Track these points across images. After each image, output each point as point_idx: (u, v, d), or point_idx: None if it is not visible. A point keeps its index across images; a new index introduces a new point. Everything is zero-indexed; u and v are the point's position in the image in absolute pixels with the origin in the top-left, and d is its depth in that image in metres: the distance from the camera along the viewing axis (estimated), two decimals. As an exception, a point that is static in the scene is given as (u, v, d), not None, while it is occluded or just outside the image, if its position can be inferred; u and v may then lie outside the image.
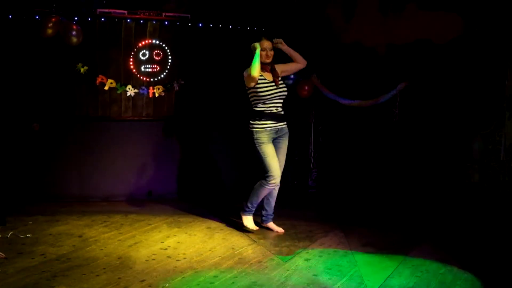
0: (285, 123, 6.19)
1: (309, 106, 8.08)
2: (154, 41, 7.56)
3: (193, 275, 4.86)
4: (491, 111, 6.43)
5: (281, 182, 8.29)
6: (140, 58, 7.53)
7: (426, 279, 4.87)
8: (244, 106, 8.01)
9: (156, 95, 7.62)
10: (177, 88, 7.71)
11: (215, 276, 4.84)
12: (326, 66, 7.75)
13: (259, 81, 5.98)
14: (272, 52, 6.09)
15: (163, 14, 7.57)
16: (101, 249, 5.49)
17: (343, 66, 7.56)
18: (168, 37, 7.62)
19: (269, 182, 5.96)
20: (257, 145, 6.01)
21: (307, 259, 5.34)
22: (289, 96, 7.56)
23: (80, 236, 5.90)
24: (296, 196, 8.07)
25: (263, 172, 6.00)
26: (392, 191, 7.26)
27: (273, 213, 6.34)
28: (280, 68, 6.20)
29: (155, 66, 7.60)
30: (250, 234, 6.13)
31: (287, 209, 7.23)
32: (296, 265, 5.15)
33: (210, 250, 5.57)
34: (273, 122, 6.06)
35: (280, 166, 6.12)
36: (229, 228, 6.39)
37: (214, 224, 6.52)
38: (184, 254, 5.42)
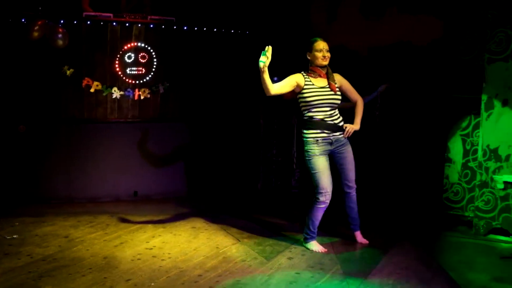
0: (341, 133, 5.52)
1: (292, 108, 8.10)
2: (139, 44, 7.56)
3: (178, 274, 4.86)
4: (468, 111, 6.49)
5: (264, 183, 8.37)
6: (126, 60, 7.52)
7: (406, 276, 4.89)
8: (231, 107, 8.08)
9: (142, 97, 7.62)
10: (162, 91, 7.71)
11: (199, 275, 4.84)
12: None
13: (305, 86, 5.42)
14: (328, 54, 5.45)
15: (148, 17, 7.58)
16: (87, 249, 5.47)
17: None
18: (153, 40, 7.62)
19: (319, 199, 5.42)
20: (306, 157, 5.47)
21: (290, 258, 5.35)
22: (272, 98, 7.60)
23: (66, 237, 5.87)
24: (280, 196, 8.09)
25: (312, 188, 5.51)
26: (374, 190, 7.30)
27: (358, 221, 5.83)
28: (342, 81, 5.58)
29: (141, 68, 7.59)
30: (234, 233, 6.13)
31: (270, 211, 7.26)
32: (279, 264, 5.16)
33: (194, 249, 5.56)
34: (324, 131, 5.44)
35: (350, 174, 5.61)
36: (213, 228, 6.37)
37: (199, 224, 6.51)
38: (169, 253, 5.41)
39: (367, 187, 7.32)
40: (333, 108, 5.48)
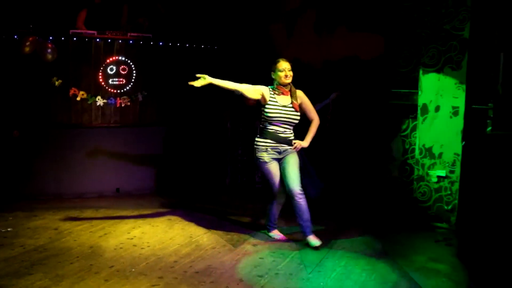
0: (290, 146, 5.38)
1: (254, 113, 8.15)
2: (120, 58, 7.54)
3: (156, 260, 4.89)
4: (407, 116, 6.60)
5: (232, 179, 8.35)
6: (108, 72, 7.50)
7: (355, 259, 5.01)
8: (202, 112, 8.10)
9: (123, 105, 7.59)
10: (141, 99, 7.70)
11: (175, 261, 4.88)
12: (269, 79, 7.84)
13: (270, 102, 5.31)
14: (291, 73, 5.30)
15: (128, 34, 7.57)
16: (75, 240, 5.47)
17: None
18: (132, 54, 7.61)
19: (274, 198, 5.52)
20: (258, 163, 5.40)
21: (254, 245, 5.42)
22: (238, 104, 7.65)
23: (56, 229, 5.85)
24: (245, 191, 8.13)
25: (269, 190, 5.53)
26: (329, 184, 7.38)
27: (310, 225, 5.38)
28: (303, 98, 5.45)
29: (121, 79, 7.58)
30: (205, 223, 6.15)
31: (237, 202, 7.31)
32: (245, 250, 5.23)
33: (170, 238, 5.60)
34: (274, 142, 5.34)
35: (292, 179, 5.29)
36: (187, 219, 6.38)
37: (174, 216, 6.52)
38: (148, 242, 5.44)
39: (323, 181, 7.42)
40: (290, 126, 5.38)
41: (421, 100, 6.33)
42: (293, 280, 4.50)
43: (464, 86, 6.05)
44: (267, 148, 5.34)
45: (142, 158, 7.80)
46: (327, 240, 5.55)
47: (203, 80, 5.24)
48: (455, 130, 6.10)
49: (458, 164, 6.07)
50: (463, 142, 6.07)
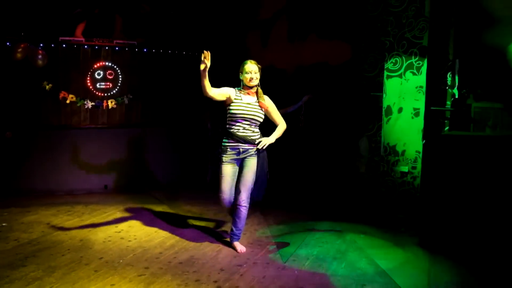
0: (252, 146, 4.87)
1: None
2: (107, 63, 7.48)
3: (142, 252, 4.85)
4: (373, 117, 6.66)
5: (212, 176, 8.23)
6: (96, 77, 7.44)
7: (326, 248, 5.03)
8: (184, 114, 8.06)
9: (110, 107, 7.53)
10: (127, 101, 7.64)
11: (160, 253, 4.84)
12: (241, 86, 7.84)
13: (234, 101, 4.86)
14: (257, 76, 4.88)
15: (114, 41, 7.52)
16: (66, 234, 5.39)
17: (260, 83, 7.67)
18: (118, 60, 7.55)
19: (219, 199, 4.96)
20: (219, 161, 4.95)
21: (233, 236, 5.41)
22: (217, 106, 7.61)
23: (48, 224, 5.77)
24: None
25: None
26: (301, 180, 7.40)
27: (240, 234, 5.02)
28: (269, 104, 5.00)
29: (108, 83, 7.51)
30: (188, 218, 6.13)
31: (217, 199, 7.27)
32: (225, 242, 5.19)
33: (155, 231, 5.55)
34: (235, 142, 4.86)
35: (244, 184, 4.86)
36: (171, 213, 6.37)
37: (159, 210, 6.50)
38: (134, 235, 5.39)
39: (296, 177, 7.44)
40: (253, 124, 4.89)
41: (385, 102, 6.37)
42: (270, 268, 4.50)
43: (424, 89, 6.09)
44: (227, 148, 4.88)
45: (129, 157, 7.75)
46: (301, 231, 5.56)
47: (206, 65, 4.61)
48: (416, 130, 6.14)
49: (419, 160, 6.12)
50: (424, 141, 6.12)
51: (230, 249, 4.98)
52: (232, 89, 4.95)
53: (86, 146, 7.45)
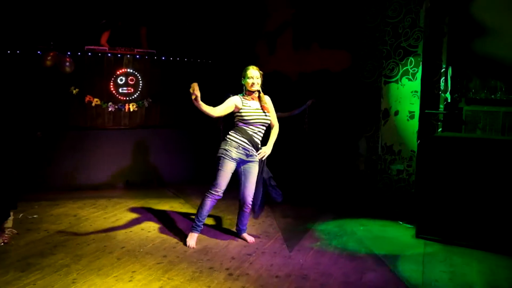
0: (257, 152, 4.75)
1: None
2: (128, 70, 7.50)
3: (161, 242, 4.87)
4: (371, 119, 6.64)
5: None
6: (118, 82, 7.45)
7: (328, 240, 5.03)
8: (198, 116, 8.06)
9: (131, 110, 7.55)
10: (147, 105, 7.66)
11: (176, 242, 4.86)
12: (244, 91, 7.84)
13: (243, 107, 4.68)
14: (258, 81, 4.70)
15: (135, 50, 7.54)
16: (91, 225, 5.42)
17: (267, 88, 7.69)
18: (139, 67, 7.57)
19: (212, 193, 4.73)
20: (221, 156, 4.68)
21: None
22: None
23: (75, 216, 5.80)
24: (235, 184, 8.07)
25: (211, 181, 4.77)
26: (306, 177, 7.40)
27: (244, 229, 5.02)
28: (268, 104, 4.82)
29: (130, 88, 7.53)
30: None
31: (229, 194, 7.25)
32: (235, 233, 5.18)
33: (172, 223, 5.56)
34: (248, 143, 4.67)
35: (248, 192, 4.80)
36: (186, 207, 6.38)
37: (176, 204, 6.50)
38: (153, 226, 5.41)
39: (302, 175, 7.43)
40: (263, 128, 4.76)
41: (383, 106, 6.37)
42: (277, 257, 4.50)
43: (419, 94, 6.07)
44: (238, 146, 4.66)
45: (148, 155, 7.76)
46: (306, 223, 5.55)
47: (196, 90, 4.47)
48: (411, 131, 6.13)
49: (414, 159, 6.10)
50: (418, 141, 6.10)
51: (240, 239, 4.99)
52: (236, 97, 4.77)
53: (109, 145, 7.47)
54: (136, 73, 7.55)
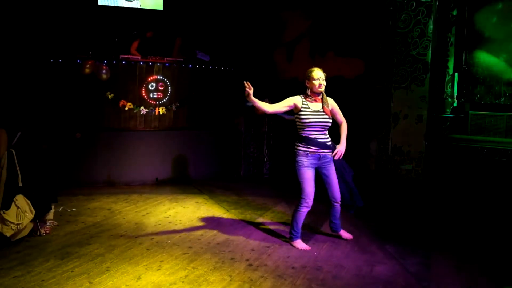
0: (329, 151, 4.51)
1: (263, 120, 8.14)
2: (158, 77, 7.55)
3: (186, 234, 4.89)
4: (382, 122, 6.57)
5: (245, 171, 8.28)
6: (149, 88, 7.50)
7: (352, 240, 4.97)
8: (222, 119, 8.10)
9: (160, 113, 7.60)
10: (175, 109, 7.70)
11: (201, 235, 4.88)
12: (274, 94, 7.82)
13: (302, 109, 4.43)
14: (324, 83, 4.45)
15: (165, 58, 7.60)
16: (124, 218, 5.48)
17: (285, 94, 7.67)
18: (168, 74, 7.61)
19: (302, 205, 4.48)
20: (297, 167, 4.46)
21: (262, 222, 5.39)
22: (249, 112, 7.73)
23: (109, 209, 5.87)
24: (255, 181, 8.10)
25: (298, 194, 4.51)
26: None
27: (339, 225, 4.86)
28: (333, 105, 4.61)
29: (160, 93, 7.58)
30: (224, 205, 6.13)
31: (249, 190, 7.28)
32: (256, 226, 5.21)
33: (198, 217, 5.59)
34: (315, 148, 4.44)
35: (334, 188, 4.63)
36: (210, 202, 6.38)
37: (200, 200, 6.51)
38: (180, 220, 5.44)
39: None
40: (324, 129, 4.50)
41: (393, 110, 6.30)
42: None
43: (427, 99, 6.00)
44: (307, 154, 4.43)
45: (175, 154, 7.80)
46: (320, 219, 5.51)
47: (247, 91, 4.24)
48: (419, 133, 6.05)
49: (422, 160, 6.03)
50: (426, 143, 6.02)
51: (260, 232, 4.99)
52: (297, 97, 4.52)
53: (140, 145, 7.53)
54: (165, 79, 7.61)
